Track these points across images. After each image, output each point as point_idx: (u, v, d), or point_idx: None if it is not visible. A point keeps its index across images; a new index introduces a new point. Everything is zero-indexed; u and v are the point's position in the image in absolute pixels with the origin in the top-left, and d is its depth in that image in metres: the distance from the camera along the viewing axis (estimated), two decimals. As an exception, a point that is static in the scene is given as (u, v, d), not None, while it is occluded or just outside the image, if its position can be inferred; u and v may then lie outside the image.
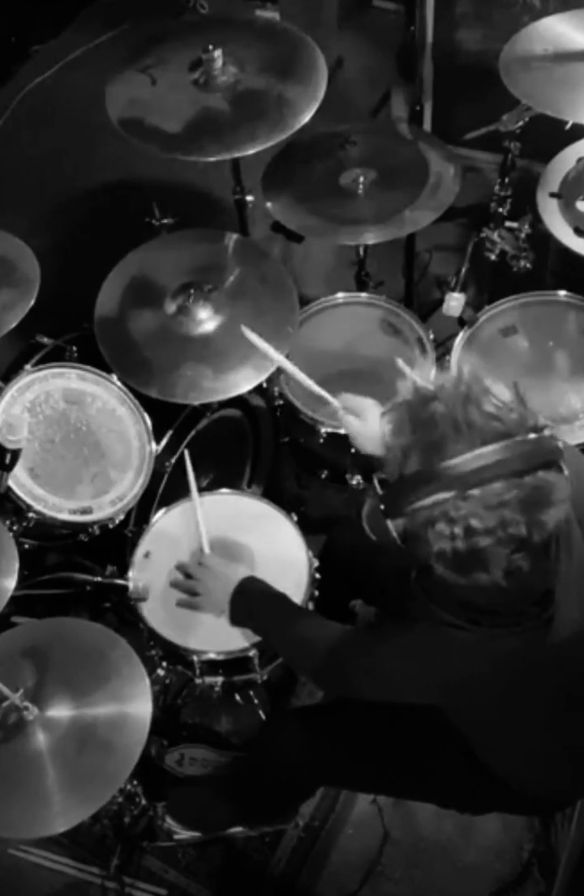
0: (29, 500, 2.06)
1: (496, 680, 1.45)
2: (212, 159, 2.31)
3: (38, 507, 2.06)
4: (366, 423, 1.92)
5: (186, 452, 2.15)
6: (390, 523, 1.32)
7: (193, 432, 2.29)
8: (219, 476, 2.43)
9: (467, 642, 1.40)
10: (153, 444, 2.20)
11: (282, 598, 1.86)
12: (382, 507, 1.34)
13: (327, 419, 2.30)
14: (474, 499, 1.23)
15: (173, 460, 2.24)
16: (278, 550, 2.08)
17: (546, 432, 1.28)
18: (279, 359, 2.07)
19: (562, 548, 1.39)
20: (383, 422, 1.36)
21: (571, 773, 1.69)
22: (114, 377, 2.23)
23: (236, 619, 1.90)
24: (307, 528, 2.13)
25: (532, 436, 1.26)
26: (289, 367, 2.06)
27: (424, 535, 1.28)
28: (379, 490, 1.34)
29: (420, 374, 1.33)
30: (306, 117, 2.31)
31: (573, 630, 1.41)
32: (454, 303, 2.51)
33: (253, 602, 1.88)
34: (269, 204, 2.53)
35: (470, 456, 1.23)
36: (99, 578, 2.12)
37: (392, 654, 1.50)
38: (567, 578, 1.39)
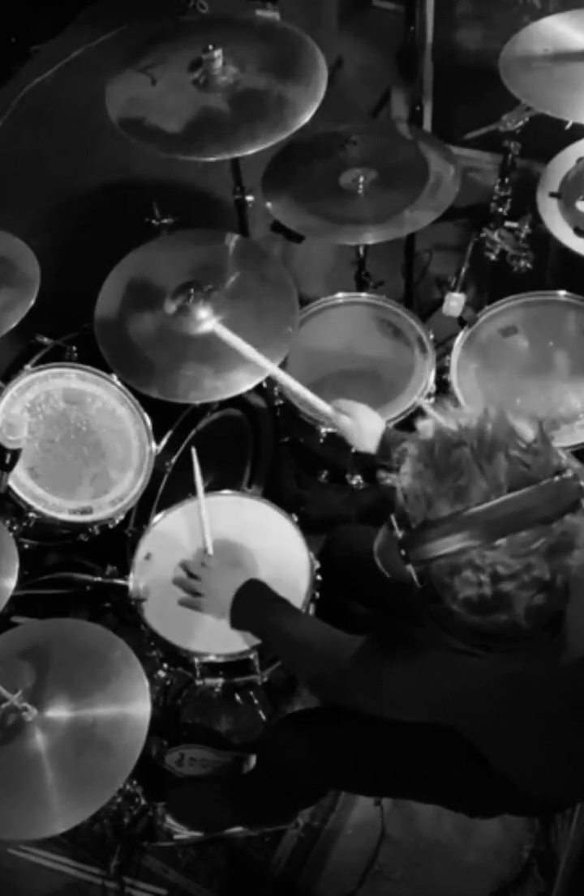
0: (29, 500, 2.06)
1: (506, 702, 1.43)
2: (212, 159, 2.30)
3: (38, 507, 2.07)
4: (358, 421, 1.96)
5: (194, 451, 2.15)
6: (408, 567, 1.29)
7: (193, 432, 2.29)
8: (219, 476, 2.43)
9: (477, 668, 1.38)
10: (153, 444, 2.20)
11: (284, 604, 1.86)
12: (402, 551, 1.30)
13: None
14: (502, 548, 1.22)
15: (174, 460, 2.25)
16: (279, 551, 2.08)
17: (569, 473, 1.26)
18: (266, 362, 2.09)
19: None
20: (404, 459, 1.32)
21: (576, 777, 1.69)
22: (114, 377, 2.22)
23: (237, 622, 1.90)
24: (307, 528, 2.13)
25: (557, 479, 1.24)
26: (279, 373, 2.10)
27: (447, 581, 1.27)
28: (397, 530, 1.31)
29: (444, 415, 1.29)
30: (306, 117, 2.30)
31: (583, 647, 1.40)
32: (454, 303, 2.51)
33: (255, 606, 1.88)
34: (269, 204, 2.53)
35: (497, 503, 1.21)
36: (99, 578, 2.12)
37: (399, 679, 1.47)
38: (577, 599, 1.38)
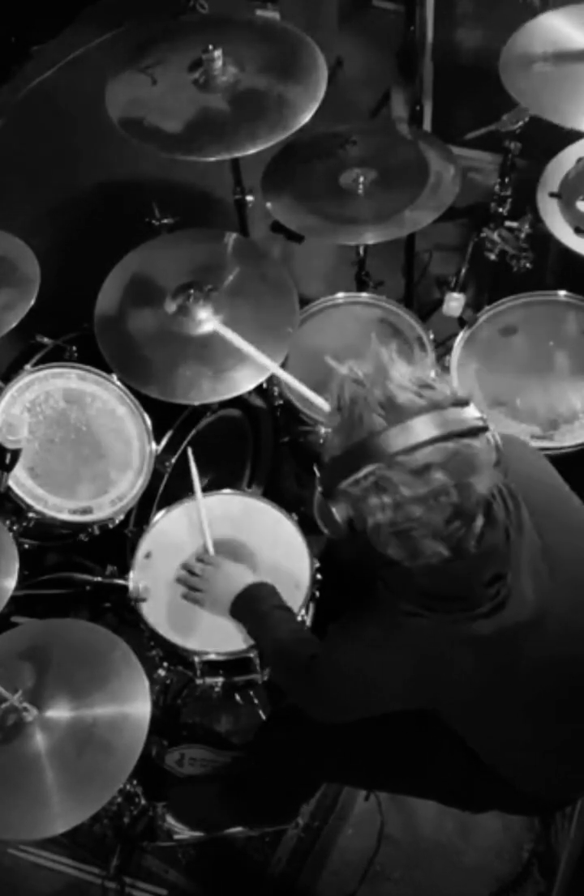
0: (29, 500, 2.06)
1: (460, 665, 1.46)
2: (212, 159, 2.31)
3: (38, 507, 2.07)
4: None
5: (190, 451, 2.15)
6: (333, 510, 1.37)
7: (193, 432, 2.29)
8: (219, 476, 2.43)
9: (424, 628, 1.43)
10: (153, 444, 2.20)
11: (282, 613, 1.86)
12: (319, 490, 1.39)
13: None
14: (400, 465, 1.27)
15: (174, 460, 2.24)
16: (279, 551, 2.08)
17: (470, 407, 1.33)
18: (268, 362, 2.10)
19: (512, 530, 1.43)
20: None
21: (569, 767, 1.68)
22: (114, 377, 2.23)
23: (237, 617, 1.91)
24: (307, 528, 2.12)
25: (453, 408, 1.31)
26: (280, 372, 2.12)
27: (360, 512, 1.33)
28: (317, 476, 1.40)
29: (351, 366, 1.37)
30: (306, 117, 2.31)
31: (527, 609, 1.43)
32: (454, 303, 2.51)
33: (252, 610, 1.88)
34: (269, 204, 2.53)
35: (393, 430, 1.28)
36: (99, 578, 2.12)
37: (359, 648, 1.53)
38: (518, 560, 1.42)
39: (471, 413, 1.32)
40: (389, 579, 1.48)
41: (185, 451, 2.17)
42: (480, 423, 1.32)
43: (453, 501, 1.28)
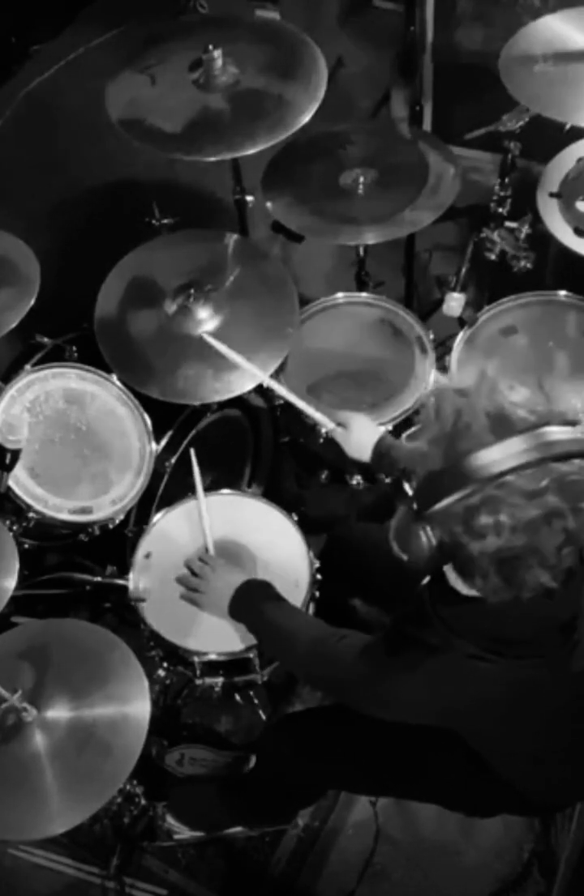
0: (29, 500, 2.06)
1: (513, 709, 1.42)
2: (212, 159, 2.30)
3: (38, 507, 2.07)
4: (352, 431, 1.99)
5: (192, 452, 2.15)
6: (423, 531, 1.26)
7: (193, 432, 2.29)
8: (219, 476, 2.43)
9: (487, 674, 1.35)
10: (153, 444, 2.20)
11: (283, 602, 1.86)
12: (414, 506, 1.26)
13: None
14: (510, 486, 1.18)
15: (174, 460, 2.24)
16: (279, 550, 2.08)
17: (580, 428, 1.24)
18: (258, 372, 2.12)
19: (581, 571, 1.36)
20: (408, 434, 1.32)
21: (575, 778, 1.69)
22: (114, 377, 2.23)
23: (236, 615, 1.90)
24: (307, 528, 2.13)
25: (564, 427, 1.23)
26: (272, 383, 2.13)
27: (463, 535, 1.23)
28: (410, 494, 1.28)
29: (446, 377, 1.31)
30: (306, 117, 2.30)
31: None
32: (454, 303, 2.51)
33: (253, 602, 1.88)
34: (269, 204, 2.53)
35: (502, 445, 1.19)
36: (99, 578, 2.12)
37: (404, 684, 1.45)
38: None
39: (581, 433, 1.23)
40: (448, 616, 1.37)
41: (187, 452, 2.17)
42: None
43: (567, 527, 1.19)
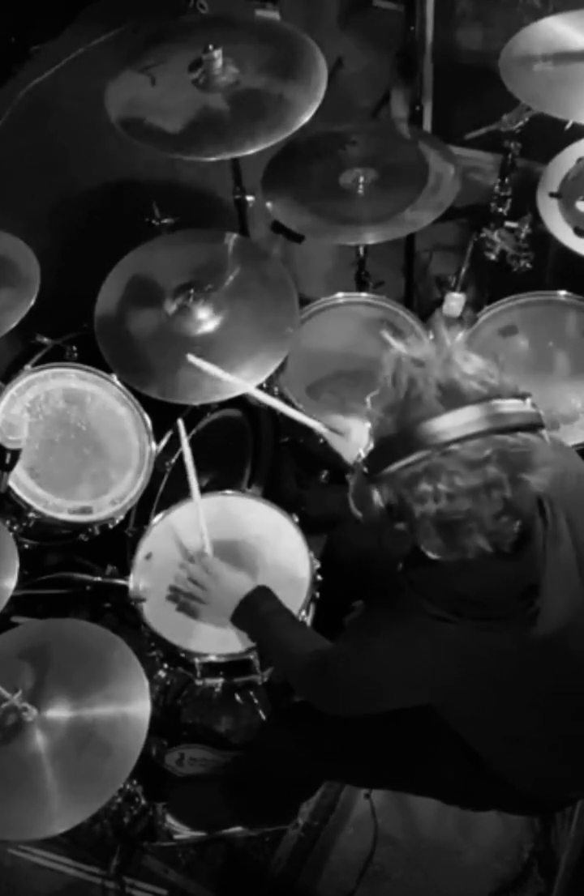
0: (29, 500, 2.06)
1: (482, 674, 1.44)
2: (212, 159, 2.31)
3: (38, 507, 2.07)
4: (351, 438, 1.97)
5: (188, 451, 2.14)
6: (374, 493, 1.32)
7: (193, 432, 2.29)
8: (219, 476, 2.43)
9: (452, 635, 1.39)
10: (153, 444, 2.20)
11: (284, 616, 1.85)
12: (364, 470, 1.33)
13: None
14: (455, 455, 1.23)
15: (173, 460, 2.24)
16: (279, 551, 2.08)
17: (528, 401, 1.29)
18: (247, 386, 2.12)
19: (548, 541, 1.39)
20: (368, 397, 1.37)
21: (569, 767, 1.69)
22: (114, 377, 2.23)
23: (238, 625, 1.91)
24: (308, 528, 2.12)
25: (513, 400, 1.27)
26: (260, 395, 2.12)
27: (407, 498, 1.28)
28: (363, 456, 1.35)
29: (406, 345, 1.34)
30: (306, 117, 2.30)
31: (560, 623, 1.40)
32: (454, 303, 2.51)
33: (254, 617, 1.87)
34: (269, 204, 2.53)
35: (450, 415, 1.24)
36: (99, 578, 2.12)
37: (378, 648, 1.49)
38: (554, 571, 1.39)
39: (529, 408, 1.28)
40: (418, 579, 1.43)
41: (182, 452, 2.17)
42: (538, 419, 1.28)
43: (505, 496, 1.24)
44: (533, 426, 1.27)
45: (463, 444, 1.23)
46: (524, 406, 1.28)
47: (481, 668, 1.43)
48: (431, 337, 1.32)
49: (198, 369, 2.13)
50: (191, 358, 2.14)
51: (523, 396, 1.29)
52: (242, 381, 2.15)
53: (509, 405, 1.26)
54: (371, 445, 1.34)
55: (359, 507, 1.39)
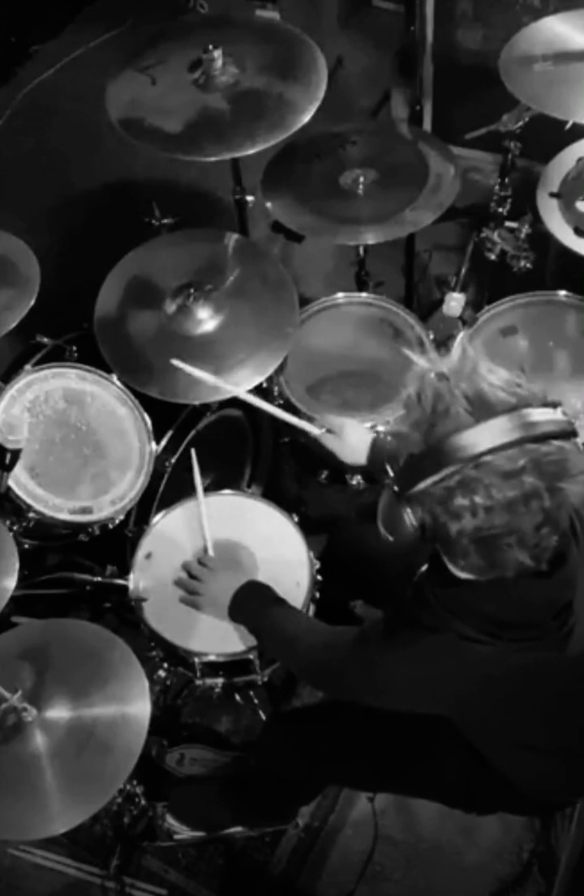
0: (29, 500, 2.06)
1: (510, 692, 1.42)
2: (212, 159, 2.30)
3: (38, 507, 2.07)
4: (345, 438, 1.96)
5: (193, 452, 2.15)
6: (406, 513, 1.28)
7: (193, 432, 2.29)
8: (219, 476, 2.43)
9: (483, 656, 1.36)
10: (153, 444, 2.20)
11: (282, 602, 1.85)
12: (395, 488, 1.29)
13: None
14: (488, 466, 1.20)
15: (174, 460, 2.24)
16: (279, 551, 2.08)
17: (559, 409, 1.27)
18: (235, 389, 2.11)
19: (580, 557, 1.37)
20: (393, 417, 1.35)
21: (572, 775, 1.68)
22: (114, 377, 2.23)
23: (235, 617, 1.90)
24: (308, 528, 2.12)
25: (543, 408, 1.25)
26: (251, 398, 2.11)
27: (441, 515, 1.25)
28: (392, 475, 1.31)
29: (427, 360, 1.31)
30: (306, 117, 2.30)
31: None
32: (454, 303, 2.52)
33: (253, 604, 1.88)
34: (269, 204, 2.53)
35: (480, 427, 1.21)
36: (99, 578, 2.12)
37: (400, 662, 1.46)
38: None
39: (561, 416, 1.26)
40: (447, 599, 1.38)
41: (187, 452, 2.17)
42: (570, 427, 1.25)
43: (544, 506, 1.21)
44: (566, 434, 1.24)
45: (496, 455, 1.20)
46: (556, 414, 1.25)
47: (509, 687, 1.41)
48: (453, 349, 1.29)
49: (183, 372, 2.12)
50: (175, 362, 2.12)
51: (553, 405, 1.26)
52: (229, 384, 2.13)
53: (539, 414, 1.23)
54: (399, 464, 1.30)
55: (390, 530, 1.34)
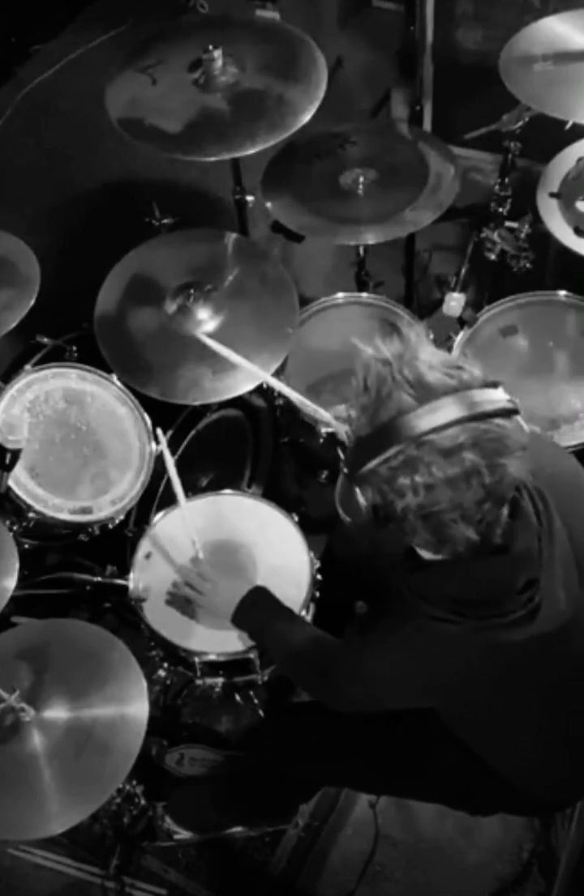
0: (29, 500, 2.06)
1: (484, 673, 1.44)
2: (212, 159, 2.31)
3: (38, 507, 2.06)
4: None
5: (168, 455, 2.08)
6: (358, 494, 1.33)
7: (192, 432, 2.29)
8: (219, 476, 2.43)
9: (453, 635, 1.39)
10: (153, 444, 2.20)
11: (283, 612, 1.85)
12: (344, 471, 1.35)
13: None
14: (430, 445, 1.24)
15: (173, 460, 2.24)
16: (279, 551, 2.08)
17: (500, 389, 1.30)
18: (260, 372, 2.09)
19: (544, 536, 1.39)
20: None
21: (570, 767, 1.68)
22: (114, 377, 2.23)
23: (238, 625, 1.90)
24: (308, 528, 2.12)
25: (483, 389, 1.28)
26: (273, 381, 2.10)
27: (389, 494, 1.29)
28: (342, 458, 1.36)
29: (377, 346, 1.34)
30: (306, 117, 2.30)
31: (561, 618, 1.40)
32: (454, 303, 2.51)
33: (254, 616, 1.87)
34: (269, 204, 2.53)
35: (422, 408, 1.25)
36: (99, 578, 2.12)
37: (379, 655, 1.49)
38: (551, 567, 1.39)
39: (501, 395, 1.30)
40: (416, 583, 1.43)
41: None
42: (510, 405, 1.30)
43: (484, 483, 1.25)
44: (506, 412, 1.28)
45: (438, 434, 1.24)
46: (496, 393, 1.29)
47: (483, 666, 1.43)
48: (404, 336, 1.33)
49: (211, 350, 2.11)
50: (203, 338, 2.11)
51: (494, 385, 1.30)
52: (255, 366, 2.13)
53: (480, 394, 1.27)
54: (349, 446, 1.36)
55: (346, 511, 1.40)
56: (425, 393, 1.26)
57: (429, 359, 1.30)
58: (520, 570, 1.37)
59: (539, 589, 1.37)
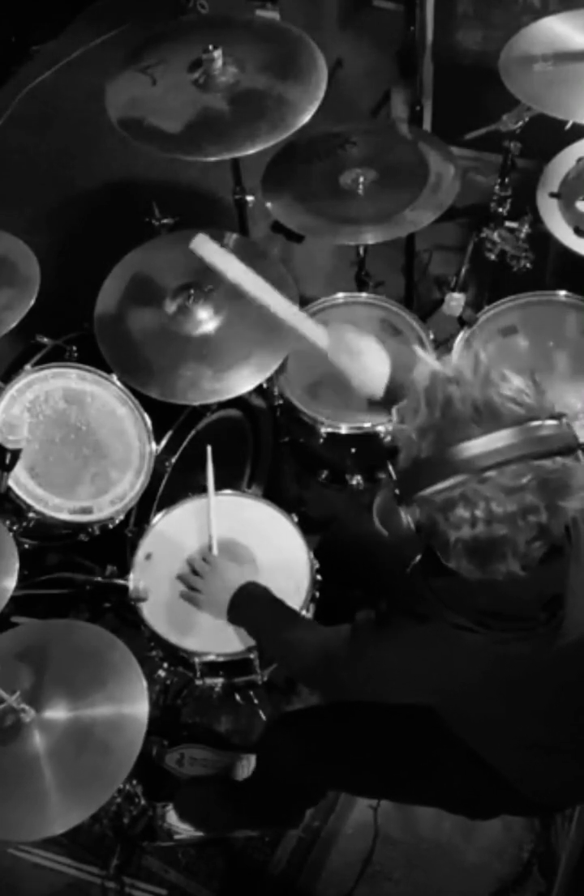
0: (29, 500, 2.06)
1: (499, 682, 1.43)
2: (212, 159, 2.30)
3: (38, 507, 2.06)
4: (362, 361, 1.76)
5: (209, 449, 2.14)
6: (403, 512, 1.29)
7: (192, 432, 2.29)
8: (219, 476, 2.43)
9: (475, 645, 1.37)
10: (153, 444, 2.20)
11: (279, 604, 1.85)
12: (396, 491, 1.30)
13: (327, 419, 2.31)
14: (492, 481, 1.20)
15: (174, 460, 2.24)
16: (279, 551, 2.08)
17: (564, 421, 1.26)
18: (256, 286, 1.94)
19: (572, 552, 1.38)
20: (396, 410, 1.33)
21: (577, 772, 1.68)
22: (114, 377, 2.23)
23: (234, 618, 1.90)
24: (308, 528, 2.13)
25: (551, 421, 1.24)
26: (271, 300, 1.93)
27: (440, 522, 1.25)
28: (393, 476, 1.31)
29: (437, 360, 1.29)
30: (306, 117, 2.30)
31: (579, 633, 1.39)
32: (454, 303, 2.51)
33: (252, 605, 1.88)
34: (269, 204, 2.53)
35: (488, 439, 1.21)
36: (99, 578, 2.12)
37: (391, 650, 1.47)
38: (576, 583, 1.37)
39: (568, 431, 1.25)
40: (439, 588, 1.39)
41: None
42: (575, 441, 1.25)
43: (541, 522, 1.22)
44: (571, 449, 1.24)
45: (502, 471, 1.20)
46: (562, 428, 1.25)
47: (501, 676, 1.42)
48: (457, 350, 1.28)
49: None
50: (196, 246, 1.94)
51: (559, 417, 1.26)
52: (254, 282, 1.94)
53: (547, 428, 1.23)
54: (402, 464, 1.30)
55: (384, 523, 1.35)
56: (492, 421, 1.22)
57: (500, 382, 1.25)
58: (547, 586, 1.35)
59: (564, 606, 1.36)
